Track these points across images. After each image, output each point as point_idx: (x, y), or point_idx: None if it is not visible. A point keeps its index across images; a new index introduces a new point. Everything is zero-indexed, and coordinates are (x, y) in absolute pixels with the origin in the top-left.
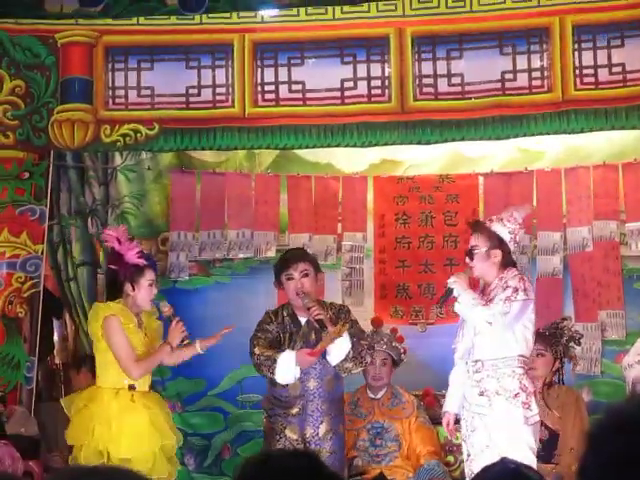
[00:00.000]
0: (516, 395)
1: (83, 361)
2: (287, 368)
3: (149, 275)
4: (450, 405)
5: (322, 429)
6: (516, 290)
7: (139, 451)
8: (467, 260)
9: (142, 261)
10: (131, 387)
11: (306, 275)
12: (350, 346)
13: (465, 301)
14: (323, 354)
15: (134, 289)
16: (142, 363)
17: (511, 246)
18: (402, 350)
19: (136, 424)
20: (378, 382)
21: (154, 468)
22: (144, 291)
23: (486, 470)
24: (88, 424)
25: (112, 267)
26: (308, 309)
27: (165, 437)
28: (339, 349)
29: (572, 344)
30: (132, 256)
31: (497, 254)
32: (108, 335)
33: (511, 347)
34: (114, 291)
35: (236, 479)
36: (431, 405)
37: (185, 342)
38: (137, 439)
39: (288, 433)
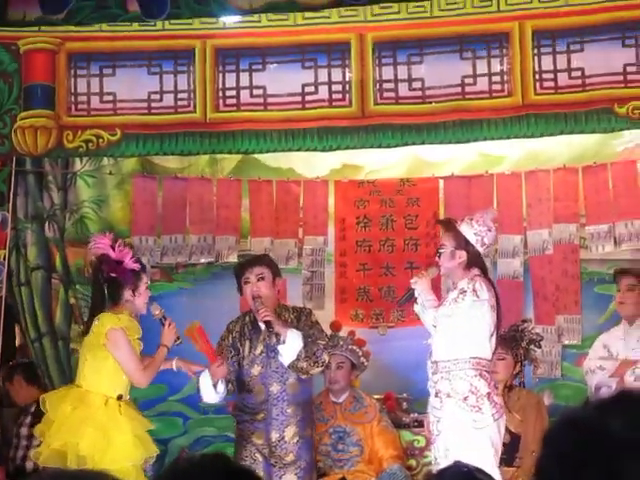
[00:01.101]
0: (465, 398)
1: (15, 369)
2: (205, 385)
3: (145, 279)
4: (429, 405)
5: (288, 433)
6: (463, 292)
7: (122, 464)
8: (436, 259)
9: (138, 265)
10: (119, 397)
11: (262, 279)
12: (301, 346)
13: (420, 302)
14: (277, 353)
15: (134, 295)
16: (148, 371)
17: (478, 248)
18: (361, 353)
19: (122, 436)
20: (334, 385)
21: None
22: (143, 295)
23: (439, 474)
24: (78, 427)
25: (112, 275)
26: (257, 311)
27: (148, 451)
28: (289, 349)
29: (532, 347)
30: (129, 262)
31: (462, 255)
32: (114, 347)
33: (462, 349)
34: (114, 298)
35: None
36: (392, 409)
37: (177, 342)
38: (122, 452)
39: (254, 439)
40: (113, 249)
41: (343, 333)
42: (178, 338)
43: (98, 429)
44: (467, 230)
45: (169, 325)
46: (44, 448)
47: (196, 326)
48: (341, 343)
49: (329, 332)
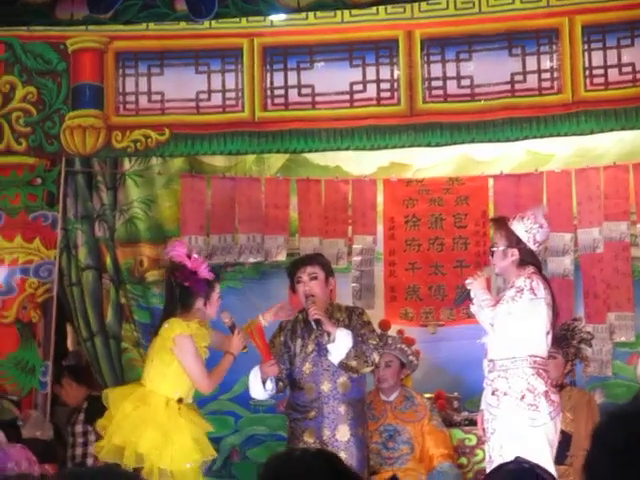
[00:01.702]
0: (522, 397)
1: (64, 371)
2: (254, 381)
3: (218, 288)
4: (483, 403)
5: (340, 431)
6: (520, 290)
7: (180, 465)
8: (489, 258)
9: (212, 275)
10: (179, 400)
11: (314, 278)
12: (351, 345)
13: (476, 302)
14: (325, 354)
15: (206, 304)
16: (213, 378)
17: (531, 245)
18: (410, 352)
19: (180, 438)
20: (383, 384)
21: None
22: (214, 304)
23: (499, 468)
24: (138, 425)
25: (186, 284)
26: (308, 309)
27: (205, 453)
28: (338, 347)
29: (583, 345)
30: (204, 271)
31: (514, 253)
32: (180, 353)
33: (519, 347)
34: (185, 305)
35: (259, 476)
36: (443, 408)
37: (243, 350)
38: (180, 453)
39: (306, 437)
40: (189, 257)
41: (392, 332)
42: (245, 347)
43: (157, 429)
44: (518, 228)
45: (238, 333)
46: (105, 443)
47: (257, 323)
48: (390, 342)
49: (378, 331)
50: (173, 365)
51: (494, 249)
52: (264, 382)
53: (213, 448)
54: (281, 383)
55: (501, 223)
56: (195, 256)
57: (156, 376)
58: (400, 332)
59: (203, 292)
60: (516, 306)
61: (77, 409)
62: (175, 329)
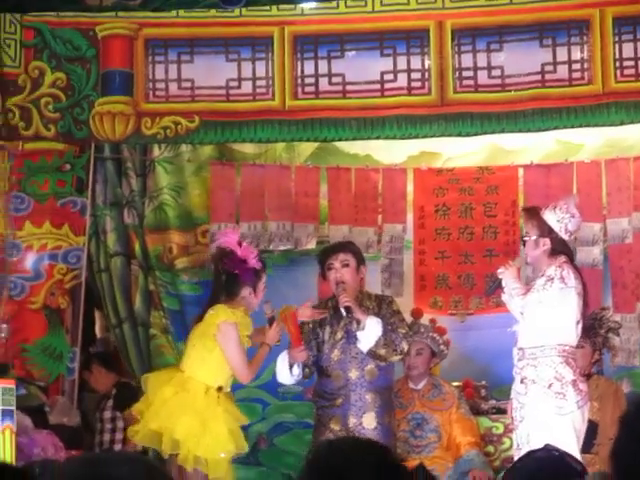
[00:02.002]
0: (550, 385)
1: (93, 358)
2: (281, 366)
3: (264, 278)
4: (513, 391)
5: (366, 419)
6: (551, 279)
7: (215, 454)
8: (521, 247)
9: (260, 265)
10: (219, 389)
11: (346, 265)
12: (380, 333)
13: (507, 291)
14: (354, 341)
15: (253, 293)
16: (252, 368)
17: (562, 235)
18: (442, 342)
19: (217, 427)
20: (413, 371)
21: (227, 475)
22: (260, 295)
23: (529, 455)
24: (176, 412)
25: (234, 271)
26: (339, 296)
27: (239, 446)
28: (367, 335)
29: (611, 335)
30: (253, 260)
31: (546, 242)
32: (224, 340)
33: (549, 336)
34: (230, 294)
35: (307, 460)
36: (471, 396)
37: (277, 342)
38: (216, 442)
39: (332, 425)
40: (240, 245)
41: (424, 321)
42: (279, 340)
43: (195, 416)
44: (550, 218)
45: (277, 326)
46: (141, 427)
47: (292, 310)
48: (422, 330)
49: (410, 319)
50: (215, 352)
51: (526, 238)
52: (291, 367)
53: (245, 442)
54: (307, 370)
55: (533, 213)
56: (245, 244)
57: (196, 362)
58: (432, 321)
59: (250, 281)
60: (546, 295)
61: (106, 395)
62: (220, 315)
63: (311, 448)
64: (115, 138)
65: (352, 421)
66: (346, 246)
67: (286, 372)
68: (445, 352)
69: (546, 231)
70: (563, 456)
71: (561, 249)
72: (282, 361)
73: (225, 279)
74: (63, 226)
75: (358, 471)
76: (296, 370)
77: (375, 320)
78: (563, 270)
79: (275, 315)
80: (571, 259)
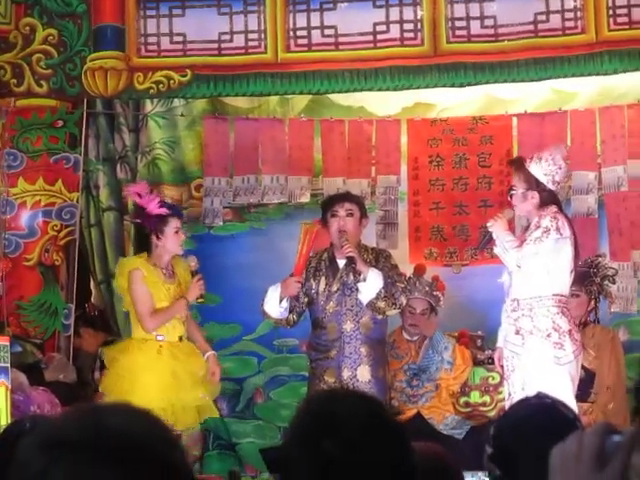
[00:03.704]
0: (548, 335)
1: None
2: (271, 296)
3: (174, 223)
4: (501, 340)
5: (360, 372)
6: (547, 230)
7: (157, 403)
8: (509, 199)
9: (164, 210)
10: (159, 338)
11: (350, 215)
12: (382, 285)
13: (500, 244)
14: (354, 291)
15: (159, 239)
16: (156, 316)
17: (550, 186)
18: (442, 299)
19: (158, 376)
20: (415, 329)
21: (177, 420)
22: (171, 239)
23: (521, 402)
24: (116, 376)
25: (137, 221)
26: (342, 247)
27: (188, 389)
28: (369, 287)
29: (607, 282)
30: (154, 207)
31: (534, 195)
32: (130, 288)
33: (545, 286)
34: (143, 244)
35: (298, 410)
36: (467, 346)
37: (200, 300)
38: (157, 391)
39: (326, 377)
40: (140, 196)
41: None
42: (202, 296)
43: (128, 375)
44: (537, 170)
45: (197, 281)
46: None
47: (314, 229)
48: (427, 289)
49: (413, 275)
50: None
51: (513, 192)
52: (281, 300)
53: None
54: (293, 316)
55: (519, 165)
56: (145, 193)
57: (133, 321)
58: (435, 278)
59: (153, 226)
60: (543, 246)
61: (96, 356)
62: (125, 267)
63: (303, 400)
64: (107, 94)
65: (346, 373)
66: (352, 196)
67: (275, 303)
68: (441, 307)
69: (533, 184)
70: (555, 404)
71: (550, 200)
72: (273, 292)
73: (135, 231)
74: (56, 182)
75: (348, 418)
76: (285, 304)
77: (376, 272)
78: (558, 221)
79: (199, 271)
80: (560, 208)
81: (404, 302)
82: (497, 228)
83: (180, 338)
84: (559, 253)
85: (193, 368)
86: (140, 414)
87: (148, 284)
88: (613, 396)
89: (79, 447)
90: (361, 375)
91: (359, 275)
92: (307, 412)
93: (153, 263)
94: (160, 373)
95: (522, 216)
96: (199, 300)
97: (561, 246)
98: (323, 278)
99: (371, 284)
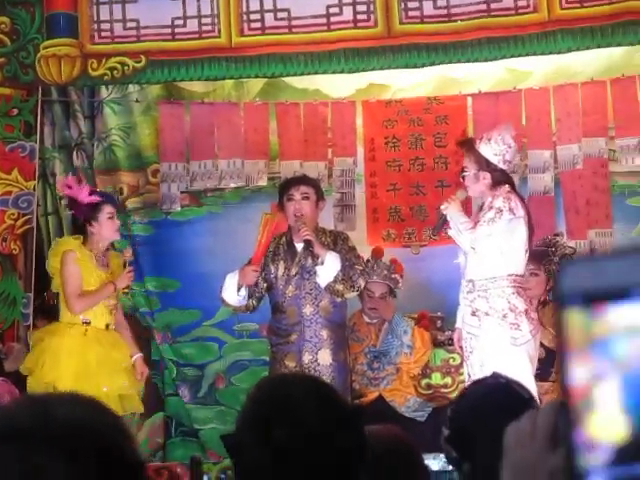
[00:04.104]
0: (504, 316)
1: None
2: (230, 283)
3: (107, 209)
4: (460, 322)
5: (321, 356)
6: (500, 211)
7: (82, 387)
8: (460, 180)
9: (95, 198)
10: (85, 322)
11: (306, 198)
12: (339, 268)
13: (454, 226)
14: (312, 274)
15: (92, 225)
16: (83, 298)
17: (501, 166)
18: (400, 282)
19: (83, 361)
20: (374, 313)
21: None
22: (105, 225)
23: (477, 383)
24: (39, 356)
25: (71, 212)
26: (299, 230)
27: (110, 376)
28: (327, 270)
29: (565, 261)
30: (84, 197)
31: (486, 176)
32: (62, 269)
33: (500, 267)
34: (79, 233)
35: (248, 397)
36: (427, 328)
37: (126, 290)
38: (82, 376)
39: (287, 362)
40: (70, 187)
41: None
42: (129, 287)
43: (53, 358)
44: (486, 151)
45: (128, 272)
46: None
47: (274, 219)
48: (385, 272)
49: (371, 258)
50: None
51: (465, 173)
52: (239, 288)
53: (135, 379)
54: (252, 301)
55: (469, 146)
56: (74, 185)
57: (61, 304)
58: (393, 261)
59: (86, 216)
60: (496, 227)
61: None
62: (59, 248)
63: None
64: (62, 81)
65: (307, 357)
66: (308, 179)
67: (233, 290)
68: (399, 289)
69: (484, 164)
70: (510, 383)
71: (502, 179)
72: (231, 279)
73: (71, 221)
74: (12, 171)
75: (300, 402)
76: (243, 292)
77: (334, 255)
78: (511, 201)
79: (130, 262)
80: (513, 187)
81: (362, 284)
82: (451, 210)
83: (107, 326)
84: (513, 233)
85: (117, 356)
86: (87, 402)
87: (80, 266)
88: None
89: (29, 436)
90: (322, 359)
91: (317, 258)
92: (257, 398)
93: (89, 249)
94: (83, 357)
95: (475, 197)
96: (124, 290)
97: (514, 226)
98: (282, 262)
99: (329, 267)
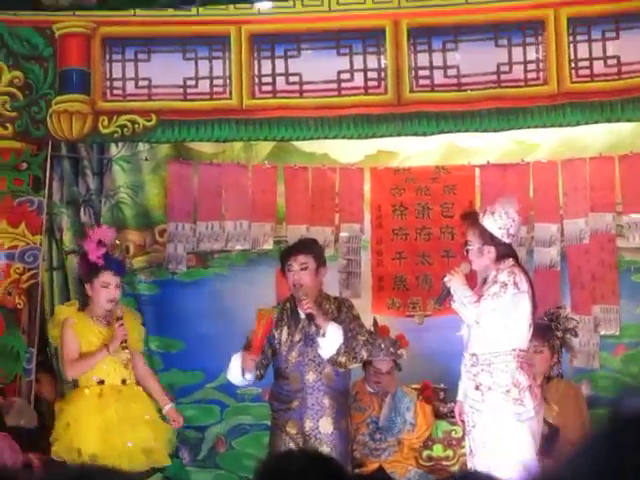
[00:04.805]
0: (507, 391)
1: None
2: (234, 368)
3: (104, 277)
4: (461, 394)
5: (323, 423)
6: (504, 285)
7: (106, 446)
8: (465, 254)
9: (100, 262)
10: (99, 382)
11: (305, 269)
12: (341, 340)
13: (458, 299)
14: (316, 342)
15: (88, 287)
16: (76, 364)
17: (505, 240)
18: (405, 356)
19: (103, 420)
20: (380, 387)
21: (131, 463)
22: (97, 291)
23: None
24: (64, 423)
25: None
26: (300, 301)
27: (131, 431)
28: (329, 343)
29: (568, 336)
30: (93, 255)
31: (490, 250)
32: (60, 337)
33: (504, 341)
34: (83, 294)
35: (256, 473)
36: (429, 399)
37: (122, 345)
38: (104, 434)
39: (288, 428)
40: (91, 240)
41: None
42: (125, 342)
43: (73, 422)
44: (490, 225)
45: (119, 327)
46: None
47: (270, 315)
48: (391, 349)
49: (377, 335)
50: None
51: (469, 247)
52: (243, 372)
53: (165, 424)
54: (259, 372)
55: (472, 220)
56: (95, 238)
57: None
58: (399, 337)
59: (85, 274)
60: (500, 301)
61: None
62: (58, 317)
63: (261, 460)
64: (72, 137)
65: (308, 425)
66: (306, 247)
67: (238, 374)
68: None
69: (488, 238)
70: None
71: (507, 253)
72: (235, 361)
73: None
74: (20, 225)
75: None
76: (248, 376)
77: (336, 327)
78: (515, 275)
79: (122, 324)
80: (517, 261)
81: (365, 356)
82: (455, 283)
83: (124, 381)
84: (517, 308)
85: (137, 410)
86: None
87: (77, 330)
88: None
89: None
90: (323, 427)
91: (319, 329)
92: (260, 471)
93: (89, 310)
94: (102, 416)
95: (479, 271)
96: (122, 346)
97: (519, 300)
98: (285, 328)
99: (331, 339)
